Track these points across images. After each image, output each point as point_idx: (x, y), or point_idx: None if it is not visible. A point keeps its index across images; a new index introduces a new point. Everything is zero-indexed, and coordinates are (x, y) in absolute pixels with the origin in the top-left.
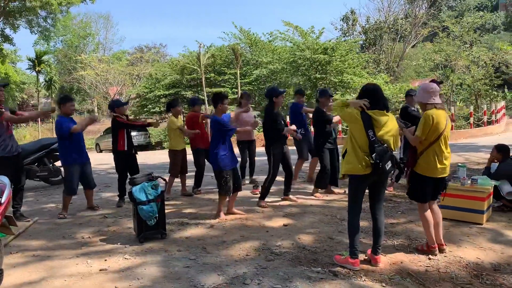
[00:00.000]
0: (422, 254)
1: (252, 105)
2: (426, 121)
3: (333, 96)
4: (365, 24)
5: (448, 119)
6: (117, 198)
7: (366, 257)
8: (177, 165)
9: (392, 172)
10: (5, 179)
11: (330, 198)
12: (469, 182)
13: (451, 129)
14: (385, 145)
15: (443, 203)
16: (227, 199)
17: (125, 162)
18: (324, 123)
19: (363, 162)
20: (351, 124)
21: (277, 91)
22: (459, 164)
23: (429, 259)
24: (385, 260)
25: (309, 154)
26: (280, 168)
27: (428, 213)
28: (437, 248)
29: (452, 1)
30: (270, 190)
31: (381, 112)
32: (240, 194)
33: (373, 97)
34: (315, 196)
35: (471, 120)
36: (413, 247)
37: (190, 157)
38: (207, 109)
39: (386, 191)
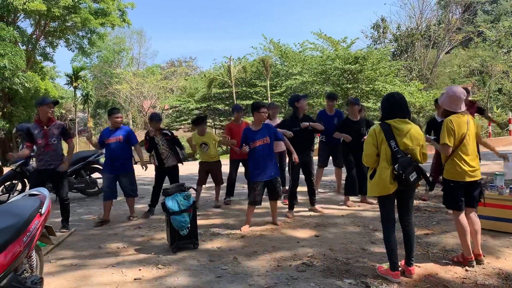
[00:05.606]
0: (458, 266)
1: (282, 114)
2: (448, 127)
3: (357, 104)
4: (396, 32)
5: (471, 121)
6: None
7: (400, 268)
8: (199, 175)
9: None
10: (45, 191)
11: (362, 208)
12: (507, 191)
13: (489, 136)
14: (409, 155)
15: (481, 213)
16: (253, 209)
17: (158, 174)
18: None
19: (391, 178)
20: (380, 146)
21: (298, 96)
22: (497, 172)
23: (466, 270)
24: (419, 271)
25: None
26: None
27: (464, 222)
28: (474, 259)
29: (487, 5)
30: (300, 201)
31: (402, 120)
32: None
33: (393, 106)
34: (348, 205)
35: (510, 127)
36: (449, 258)
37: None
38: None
39: (421, 201)
